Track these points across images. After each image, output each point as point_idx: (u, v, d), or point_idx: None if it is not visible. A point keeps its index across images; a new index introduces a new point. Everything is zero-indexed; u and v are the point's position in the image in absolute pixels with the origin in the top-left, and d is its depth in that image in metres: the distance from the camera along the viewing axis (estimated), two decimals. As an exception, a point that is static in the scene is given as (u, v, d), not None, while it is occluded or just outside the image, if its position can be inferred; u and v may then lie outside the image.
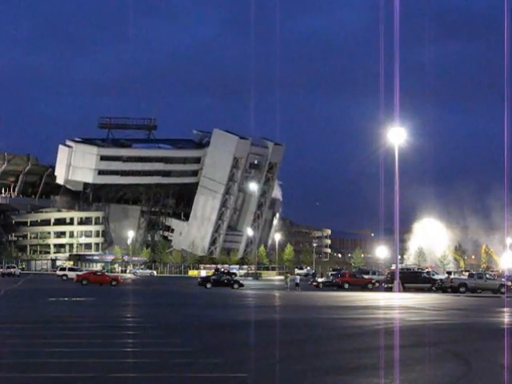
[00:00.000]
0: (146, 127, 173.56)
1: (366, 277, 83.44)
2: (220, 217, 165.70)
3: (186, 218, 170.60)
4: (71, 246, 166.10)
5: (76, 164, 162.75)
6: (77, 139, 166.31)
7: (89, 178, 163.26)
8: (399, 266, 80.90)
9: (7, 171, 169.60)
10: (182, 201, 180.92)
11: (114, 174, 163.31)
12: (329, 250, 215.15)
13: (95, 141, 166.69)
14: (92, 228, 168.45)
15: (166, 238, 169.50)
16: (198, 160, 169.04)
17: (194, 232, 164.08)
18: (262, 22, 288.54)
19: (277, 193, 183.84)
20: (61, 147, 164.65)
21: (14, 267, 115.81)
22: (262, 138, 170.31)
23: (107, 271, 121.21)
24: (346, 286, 76.34)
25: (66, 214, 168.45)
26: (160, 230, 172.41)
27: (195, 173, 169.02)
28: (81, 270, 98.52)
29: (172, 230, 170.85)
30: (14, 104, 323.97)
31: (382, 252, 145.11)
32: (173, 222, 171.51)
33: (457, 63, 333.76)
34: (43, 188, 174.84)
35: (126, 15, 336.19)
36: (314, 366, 18.60)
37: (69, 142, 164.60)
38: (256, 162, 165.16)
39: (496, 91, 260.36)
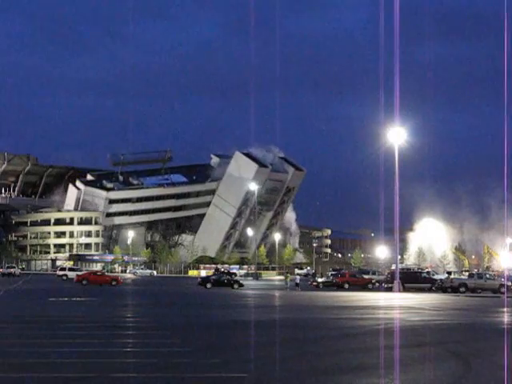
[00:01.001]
0: (161, 161, 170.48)
1: (366, 277, 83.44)
2: (227, 237, 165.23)
3: (190, 226, 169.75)
4: (71, 246, 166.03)
5: (85, 206, 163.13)
6: (88, 178, 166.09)
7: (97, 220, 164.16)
8: (399, 266, 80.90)
9: (7, 171, 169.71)
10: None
11: (123, 214, 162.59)
12: (329, 250, 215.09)
13: (105, 181, 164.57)
14: (92, 228, 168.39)
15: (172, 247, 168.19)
16: (212, 192, 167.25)
17: (201, 245, 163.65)
18: (263, 22, 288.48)
19: (291, 217, 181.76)
20: (70, 188, 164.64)
21: (14, 267, 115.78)
22: (283, 158, 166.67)
23: (107, 271, 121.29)
24: (346, 285, 76.32)
25: (66, 214, 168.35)
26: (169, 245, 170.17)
27: (208, 204, 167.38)
28: (81, 270, 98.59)
29: (179, 245, 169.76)
30: (14, 104, 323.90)
31: (382, 252, 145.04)
32: (185, 239, 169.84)
33: (457, 63, 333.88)
34: (43, 188, 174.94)
35: (127, 16, 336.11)
36: (314, 365, 18.61)
37: (78, 184, 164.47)
38: (273, 187, 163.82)
39: (496, 90, 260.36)
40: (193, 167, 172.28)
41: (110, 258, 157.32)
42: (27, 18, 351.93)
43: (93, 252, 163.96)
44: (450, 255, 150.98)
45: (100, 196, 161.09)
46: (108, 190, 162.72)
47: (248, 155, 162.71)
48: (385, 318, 35.51)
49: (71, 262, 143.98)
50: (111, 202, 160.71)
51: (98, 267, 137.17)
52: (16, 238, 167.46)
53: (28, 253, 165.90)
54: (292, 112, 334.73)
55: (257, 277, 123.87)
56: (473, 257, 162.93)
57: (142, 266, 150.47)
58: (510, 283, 72.62)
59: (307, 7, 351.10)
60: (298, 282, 76.14)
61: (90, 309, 38.98)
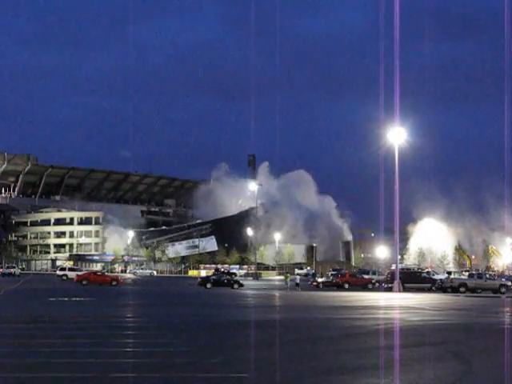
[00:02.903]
0: (185, 223, 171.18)
1: (366, 277, 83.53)
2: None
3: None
4: (71, 245, 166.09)
5: None
6: None
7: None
8: (399, 266, 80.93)
9: (7, 171, 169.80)
10: (182, 201, 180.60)
11: None
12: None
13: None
14: (92, 228, 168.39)
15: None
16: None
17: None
18: (263, 22, 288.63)
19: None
20: None
21: (14, 267, 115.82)
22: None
23: (107, 271, 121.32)
24: (346, 286, 76.39)
25: (65, 214, 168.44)
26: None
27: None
28: (81, 270, 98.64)
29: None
30: (14, 104, 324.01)
31: (382, 252, 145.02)
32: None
33: (457, 63, 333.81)
34: (43, 188, 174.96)
35: (127, 16, 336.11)
36: (314, 365, 18.59)
37: None
38: None
39: (497, 90, 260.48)
40: (222, 223, 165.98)
41: (109, 258, 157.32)
42: (27, 18, 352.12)
43: (93, 252, 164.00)
44: (450, 255, 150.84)
45: None
46: None
47: None
48: (385, 318, 35.52)
49: (71, 262, 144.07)
50: None
51: (98, 267, 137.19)
52: (16, 238, 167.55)
53: (28, 253, 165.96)
54: (291, 111, 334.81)
55: (257, 277, 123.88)
56: (473, 257, 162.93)
57: (143, 266, 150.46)
58: (509, 283, 72.73)
59: (308, 6, 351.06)
60: (298, 282, 76.16)
61: (90, 309, 38.95)
